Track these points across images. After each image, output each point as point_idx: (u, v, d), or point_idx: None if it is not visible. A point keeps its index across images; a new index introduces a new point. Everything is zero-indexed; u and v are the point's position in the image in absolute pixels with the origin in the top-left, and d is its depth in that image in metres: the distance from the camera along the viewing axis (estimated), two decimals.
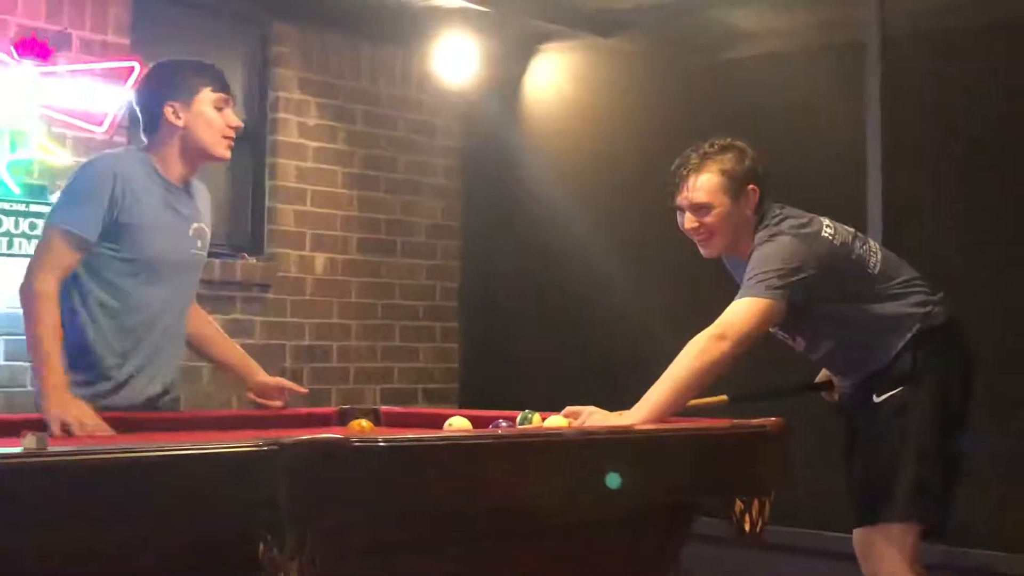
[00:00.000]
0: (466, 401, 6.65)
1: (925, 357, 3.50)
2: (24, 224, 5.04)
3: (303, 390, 3.90)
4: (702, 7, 6.03)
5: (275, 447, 2.12)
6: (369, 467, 2.21)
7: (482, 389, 6.64)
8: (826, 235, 3.49)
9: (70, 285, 3.43)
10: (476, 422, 3.17)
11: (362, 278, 6.55)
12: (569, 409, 3.13)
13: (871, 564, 3.49)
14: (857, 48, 5.46)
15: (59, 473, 1.97)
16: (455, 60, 6.61)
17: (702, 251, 3.61)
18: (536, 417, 3.15)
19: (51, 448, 2.07)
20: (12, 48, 5.06)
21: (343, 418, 3.58)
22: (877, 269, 3.54)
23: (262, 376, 3.80)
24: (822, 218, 3.56)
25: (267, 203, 6.23)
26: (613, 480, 2.47)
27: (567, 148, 6.60)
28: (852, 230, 3.61)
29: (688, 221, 3.54)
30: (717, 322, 3.27)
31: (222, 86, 3.54)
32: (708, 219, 3.51)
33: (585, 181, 6.46)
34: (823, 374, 3.88)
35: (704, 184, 3.50)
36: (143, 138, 3.58)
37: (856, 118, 5.41)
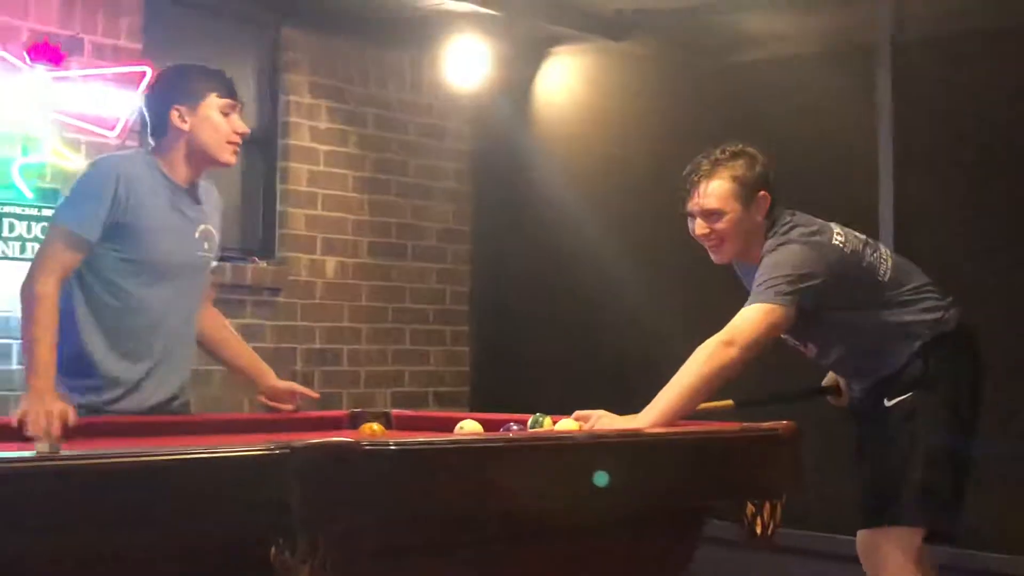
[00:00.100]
0: (477, 404, 6.65)
1: (936, 363, 3.50)
2: (37, 228, 5.05)
3: (315, 394, 3.91)
4: (713, 11, 6.02)
5: (286, 451, 2.12)
6: (380, 470, 2.21)
7: (493, 392, 6.64)
8: (836, 242, 3.49)
9: (75, 288, 3.43)
10: (487, 425, 3.17)
11: (373, 282, 6.55)
12: (579, 413, 3.14)
13: (875, 566, 3.49)
14: (868, 52, 5.46)
15: (71, 477, 1.98)
16: (465, 64, 6.61)
17: (713, 257, 3.61)
18: (547, 420, 3.15)
19: (64, 452, 2.08)
20: (25, 53, 5.08)
21: (354, 422, 3.58)
22: (888, 276, 3.54)
23: (274, 380, 3.80)
24: (832, 225, 3.56)
25: (278, 207, 6.24)
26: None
27: (578, 151, 6.60)
28: (863, 237, 3.61)
29: (699, 227, 3.54)
30: (727, 328, 3.27)
31: (229, 92, 3.54)
32: (719, 225, 3.51)
33: (596, 184, 6.46)
34: (830, 378, 3.88)
35: (715, 190, 3.50)
36: (150, 141, 3.59)
37: (867, 122, 5.41)
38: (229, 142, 3.53)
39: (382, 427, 3.42)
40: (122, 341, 3.47)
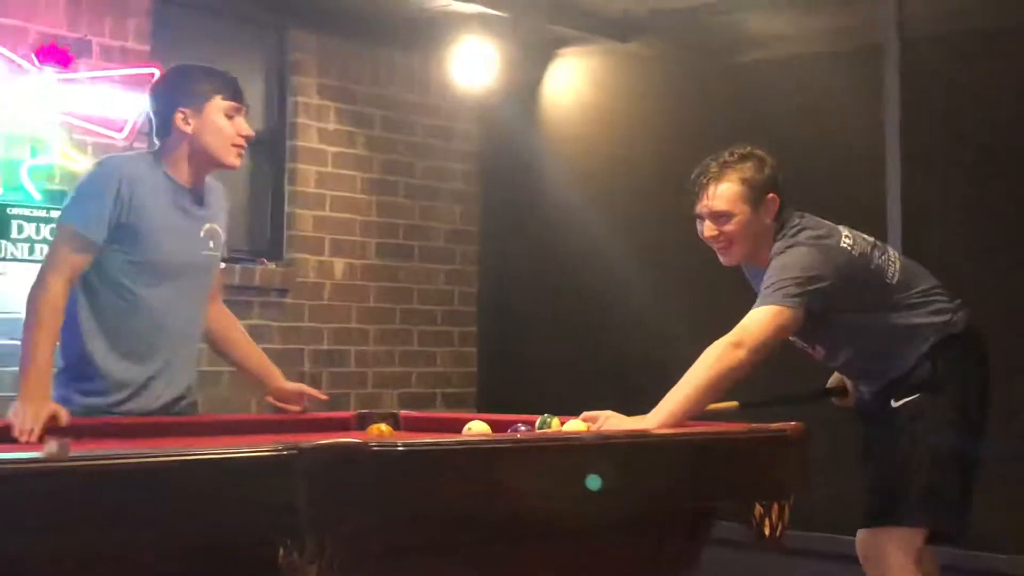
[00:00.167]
0: (484, 405, 6.65)
1: (944, 365, 3.50)
2: (45, 230, 5.06)
3: (323, 396, 3.90)
4: (720, 11, 6.02)
5: (294, 451, 2.12)
6: (388, 472, 2.21)
7: (500, 393, 6.64)
8: (844, 245, 3.48)
9: (78, 290, 3.42)
10: (495, 426, 3.17)
11: (380, 283, 6.56)
12: (587, 414, 3.14)
13: (876, 566, 3.50)
14: (875, 52, 5.45)
15: (78, 478, 1.98)
16: (473, 65, 6.61)
17: (722, 259, 3.61)
18: (555, 421, 3.15)
19: (72, 454, 2.08)
20: (33, 55, 5.09)
21: (362, 422, 3.58)
22: (896, 279, 3.54)
23: (282, 382, 3.79)
24: (841, 228, 3.56)
25: (286, 208, 6.24)
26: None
27: (585, 152, 6.60)
28: (872, 239, 3.60)
29: (708, 229, 3.54)
30: (734, 330, 3.27)
31: (234, 94, 3.52)
32: (728, 228, 3.51)
33: (603, 185, 6.46)
34: (835, 378, 3.87)
35: (724, 193, 3.50)
36: (155, 141, 3.57)
37: (874, 122, 5.40)
38: (234, 145, 3.50)
39: (390, 428, 3.41)
40: (127, 342, 3.46)
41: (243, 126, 3.52)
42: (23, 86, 5.06)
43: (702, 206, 3.54)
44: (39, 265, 4.96)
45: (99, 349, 3.44)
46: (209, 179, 3.62)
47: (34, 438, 3.05)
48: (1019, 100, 5.08)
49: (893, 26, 5.38)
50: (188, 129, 3.46)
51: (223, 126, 3.48)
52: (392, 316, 6.60)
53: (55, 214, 5.02)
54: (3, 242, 5.02)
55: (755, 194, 3.50)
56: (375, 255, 6.54)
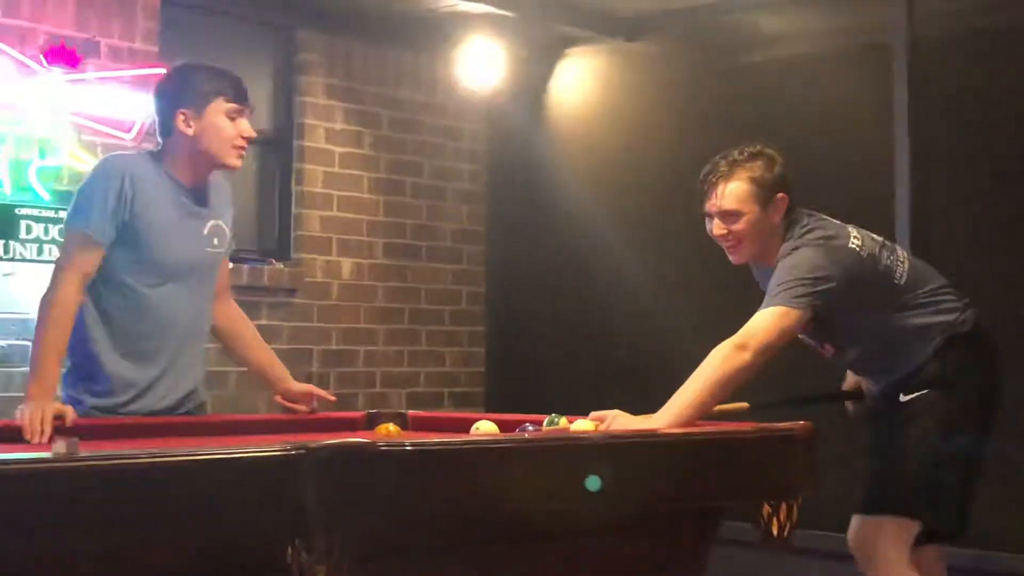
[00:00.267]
0: (492, 405, 6.65)
1: (953, 364, 3.50)
2: (54, 231, 5.07)
3: (331, 397, 3.89)
4: (728, 10, 6.02)
5: (302, 451, 2.12)
6: (396, 471, 2.21)
7: (508, 393, 6.65)
8: (853, 246, 3.48)
9: (86, 290, 3.42)
10: (503, 426, 3.17)
11: (388, 283, 6.56)
12: (595, 413, 3.14)
13: (867, 554, 3.51)
14: (884, 51, 5.44)
15: (86, 478, 1.98)
16: (480, 65, 6.62)
17: (731, 258, 3.62)
18: (563, 421, 3.15)
19: (80, 453, 2.08)
20: (41, 56, 5.10)
21: (370, 422, 3.58)
22: (904, 279, 3.54)
23: (291, 382, 3.79)
24: (850, 228, 3.55)
25: (293, 209, 6.25)
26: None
27: (592, 152, 6.60)
28: (880, 239, 3.60)
29: (717, 228, 3.54)
30: (740, 331, 3.26)
31: (237, 95, 3.48)
32: (736, 226, 3.51)
33: (610, 185, 6.46)
34: (851, 381, 3.87)
35: (733, 192, 3.50)
36: (158, 139, 3.56)
37: (884, 122, 5.39)
38: (235, 146, 3.48)
39: (398, 428, 3.42)
40: (132, 342, 3.46)
41: (245, 127, 3.50)
42: (32, 87, 5.07)
43: (711, 204, 3.55)
44: (47, 265, 5.01)
45: (104, 349, 3.44)
46: (213, 176, 3.60)
47: (44, 439, 3.05)
48: None
49: (902, 25, 5.38)
50: (189, 131, 3.44)
51: (224, 127, 3.46)
52: (400, 316, 6.61)
53: (63, 215, 5.03)
54: (12, 243, 5.03)
55: (764, 193, 3.50)
56: (383, 255, 6.55)
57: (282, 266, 6.13)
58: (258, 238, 6.19)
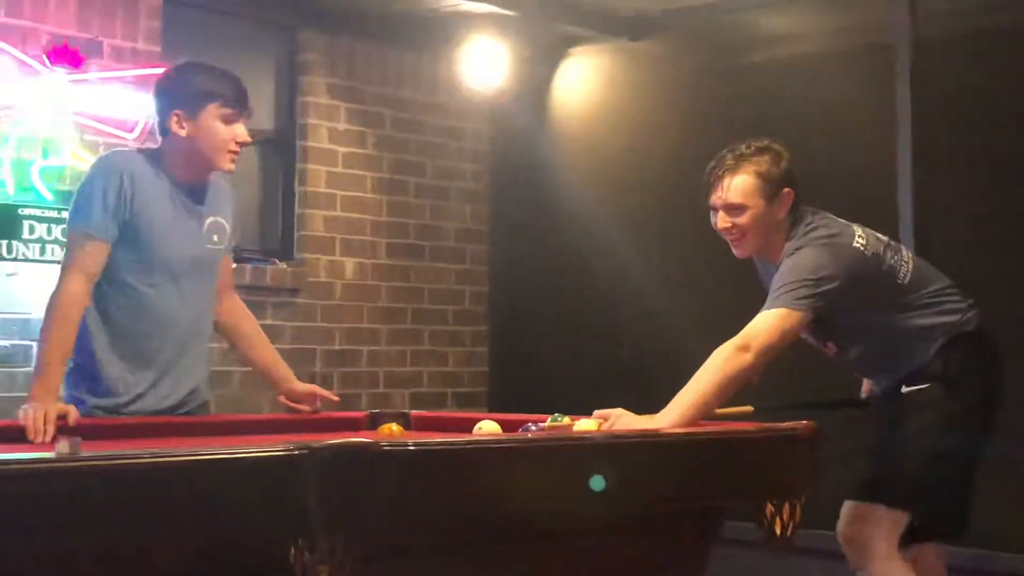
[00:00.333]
0: (496, 405, 6.65)
1: (955, 364, 3.50)
2: (56, 231, 5.08)
3: (335, 397, 3.88)
4: (731, 10, 6.01)
5: (305, 451, 2.12)
6: (399, 471, 2.21)
7: (512, 393, 6.64)
8: (857, 245, 3.48)
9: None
10: (506, 426, 3.17)
11: (391, 283, 6.56)
12: (598, 412, 3.14)
13: (858, 546, 3.51)
14: (887, 51, 5.44)
15: (89, 478, 1.99)
16: (483, 64, 6.62)
17: (735, 251, 3.61)
18: (566, 420, 3.15)
19: (83, 453, 2.08)
20: (44, 56, 5.10)
21: (373, 422, 3.58)
22: (908, 279, 3.53)
23: (294, 382, 3.78)
24: (855, 227, 3.55)
25: (296, 209, 6.25)
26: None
27: (596, 152, 6.60)
28: (885, 239, 3.60)
29: (721, 221, 3.54)
30: (742, 333, 3.26)
31: (234, 100, 3.45)
32: (741, 220, 3.51)
33: (614, 185, 6.46)
34: (866, 387, 3.86)
35: (739, 185, 3.50)
36: (157, 137, 3.54)
37: (886, 121, 5.39)
38: (228, 151, 3.45)
39: (401, 428, 3.42)
40: (133, 342, 3.45)
41: (240, 132, 3.46)
42: (34, 87, 5.08)
43: (716, 198, 3.54)
44: (50, 266, 5.03)
45: (106, 349, 3.43)
46: (213, 174, 3.58)
47: (47, 439, 3.05)
48: None
49: (905, 25, 5.37)
50: (182, 132, 3.42)
51: (218, 131, 3.43)
52: (403, 316, 6.61)
53: (66, 215, 5.04)
54: (15, 243, 5.03)
55: (770, 188, 3.50)
56: (386, 255, 6.55)
57: (285, 266, 6.13)
58: (261, 238, 6.19)
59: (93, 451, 2.16)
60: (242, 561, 2.15)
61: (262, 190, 6.26)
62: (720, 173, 3.54)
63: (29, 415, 3.10)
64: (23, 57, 5.05)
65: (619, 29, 6.44)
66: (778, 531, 2.81)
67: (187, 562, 2.12)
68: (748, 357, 3.21)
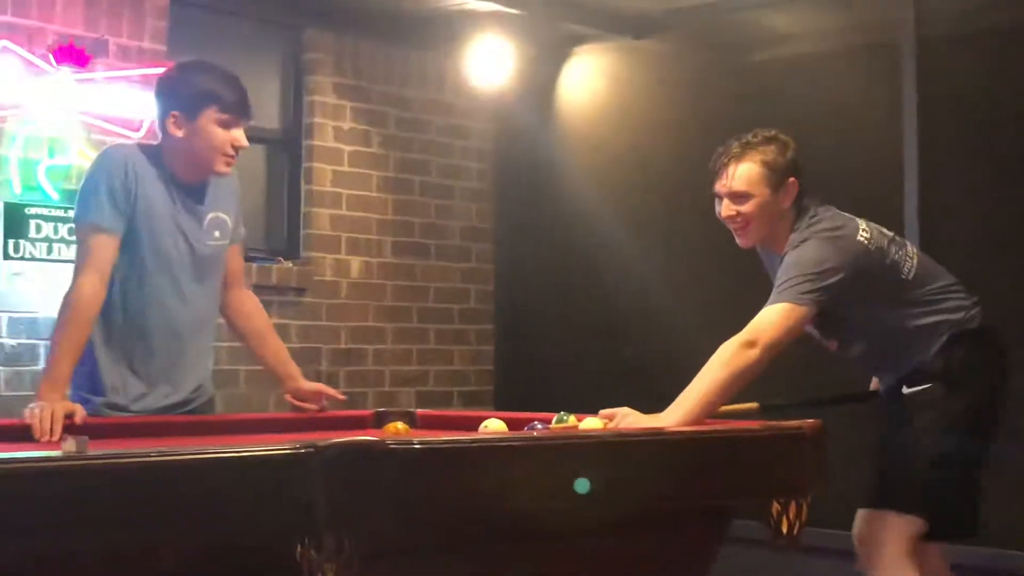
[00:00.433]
0: (501, 403, 6.65)
1: (958, 361, 3.48)
2: (63, 230, 5.09)
3: (341, 396, 3.88)
4: (736, 8, 6.01)
5: (311, 450, 2.13)
6: (405, 469, 2.21)
7: (517, 391, 6.65)
8: (861, 238, 3.47)
9: None
10: (512, 424, 3.17)
11: (397, 281, 6.57)
12: (604, 412, 3.14)
13: (870, 547, 3.50)
14: (892, 49, 5.44)
15: (96, 476, 1.99)
16: (488, 63, 6.62)
17: (738, 240, 3.60)
18: (571, 419, 3.15)
19: (90, 452, 2.09)
20: (50, 55, 5.11)
21: (379, 421, 3.58)
22: (912, 274, 3.52)
23: (301, 381, 3.78)
24: (859, 220, 3.54)
25: (302, 207, 6.26)
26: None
27: (600, 151, 6.60)
28: (890, 234, 3.59)
29: (726, 209, 3.53)
30: (747, 328, 3.26)
31: (233, 106, 3.41)
32: (745, 208, 3.50)
33: (618, 184, 6.46)
34: (874, 383, 3.86)
35: (744, 173, 3.50)
36: (158, 134, 3.52)
37: (892, 120, 5.39)
38: (224, 154, 3.42)
39: (407, 426, 3.42)
40: (137, 340, 3.44)
41: (238, 137, 3.43)
42: (41, 86, 5.08)
43: (721, 185, 3.54)
44: (57, 264, 5.05)
45: (108, 348, 3.42)
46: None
47: (54, 437, 3.05)
48: None
49: (910, 23, 5.37)
50: (178, 134, 3.40)
51: (215, 136, 3.40)
52: (409, 314, 6.61)
53: (72, 214, 5.05)
54: (21, 241, 5.04)
55: (775, 177, 3.49)
56: (391, 253, 6.55)
57: (291, 265, 6.14)
58: (267, 237, 6.20)
59: (100, 450, 2.17)
60: (248, 559, 2.15)
61: (268, 189, 6.26)
62: (726, 161, 3.53)
63: (36, 414, 3.10)
64: (30, 56, 5.06)
65: (623, 28, 6.45)
66: (784, 530, 2.81)
67: (193, 561, 2.12)
68: (754, 353, 3.20)
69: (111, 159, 3.45)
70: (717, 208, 3.57)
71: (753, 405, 3.60)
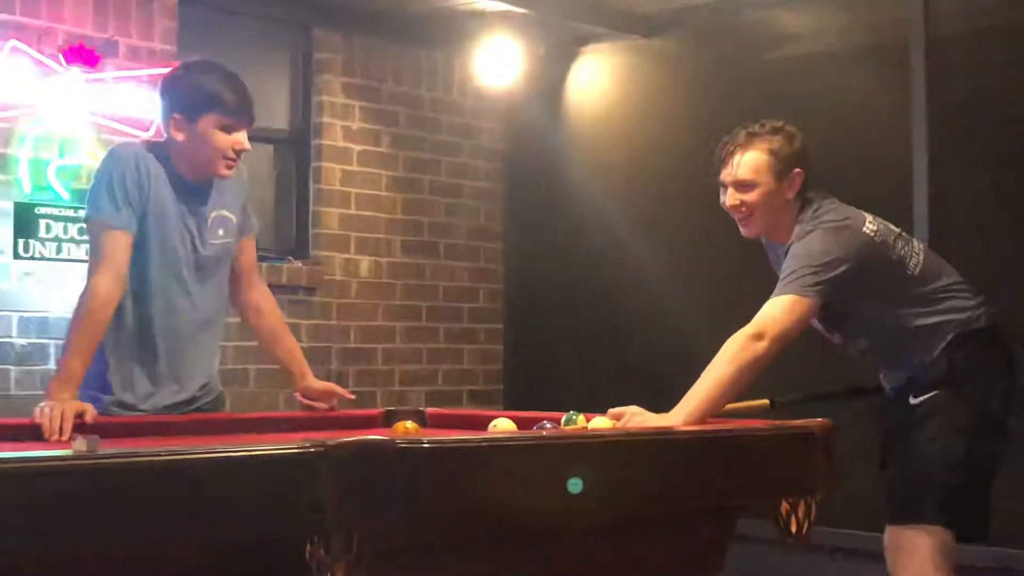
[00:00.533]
0: (510, 402, 6.66)
1: (963, 361, 3.44)
2: (73, 230, 5.10)
3: (351, 396, 3.88)
4: (744, 7, 6.01)
5: (321, 448, 2.13)
6: (414, 468, 2.22)
7: (526, 390, 6.65)
8: (867, 230, 3.45)
9: None
10: (521, 423, 3.17)
11: (406, 280, 6.57)
12: (612, 411, 3.13)
13: (898, 563, 3.46)
14: (902, 47, 5.43)
15: (106, 476, 1.99)
16: (497, 63, 6.62)
17: (742, 230, 3.58)
18: (580, 418, 3.14)
19: (100, 451, 2.09)
20: (60, 56, 5.13)
21: (388, 420, 3.58)
22: (918, 270, 3.49)
23: (311, 380, 3.78)
24: (866, 214, 3.52)
25: (312, 207, 6.27)
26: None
27: (609, 150, 6.60)
28: (897, 230, 3.57)
29: (730, 198, 3.51)
30: (754, 321, 3.24)
31: (234, 110, 3.38)
32: (750, 197, 3.48)
33: (627, 183, 6.46)
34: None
35: (750, 162, 3.48)
36: (163, 132, 3.51)
37: (902, 118, 5.38)
38: (225, 157, 3.40)
39: (416, 425, 3.41)
40: (144, 339, 3.43)
41: (240, 140, 3.40)
42: (50, 86, 5.10)
43: (726, 174, 3.52)
44: (67, 264, 5.06)
45: (115, 346, 3.42)
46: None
47: (64, 437, 3.06)
48: None
49: (919, 22, 5.36)
50: (179, 136, 3.39)
51: (216, 139, 3.38)
52: (418, 313, 6.62)
53: (82, 213, 5.05)
54: (31, 241, 5.06)
55: (781, 166, 3.47)
56: (400, 253, 6.56)
57: (300, 264, 6.15)
58: (276, 236, 6.21)
59: (110, 449, 2.17)
60: (258, 559, 2.15)
61: (277, 188, 6.27)
62: (731, 149, 3.51)
63: (46, 413, 3.11)
64: (39, 57, 5.08)
65: (633, 27, 6.45)
66: (794, 529, 2.81)
67: (203, 560, 2.13)
68: (762, 345, 3.18)
69: (122, 157, 3.43)
70: (722, 197, 3.55)
71: (763, 402, 3.59)
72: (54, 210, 5.11)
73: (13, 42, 5.01)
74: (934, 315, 3.48)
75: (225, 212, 3.56)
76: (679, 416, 3.08)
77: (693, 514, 2.80)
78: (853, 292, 3.40)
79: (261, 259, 5.73)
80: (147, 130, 5.26)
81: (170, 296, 3.46)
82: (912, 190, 5.31)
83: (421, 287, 6.64)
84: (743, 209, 3.51)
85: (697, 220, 5.65)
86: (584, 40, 6.69)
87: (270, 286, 5.78)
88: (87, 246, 3.52)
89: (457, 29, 6.49)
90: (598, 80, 6.75)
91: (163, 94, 3.48)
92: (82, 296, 3.33)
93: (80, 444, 2.15)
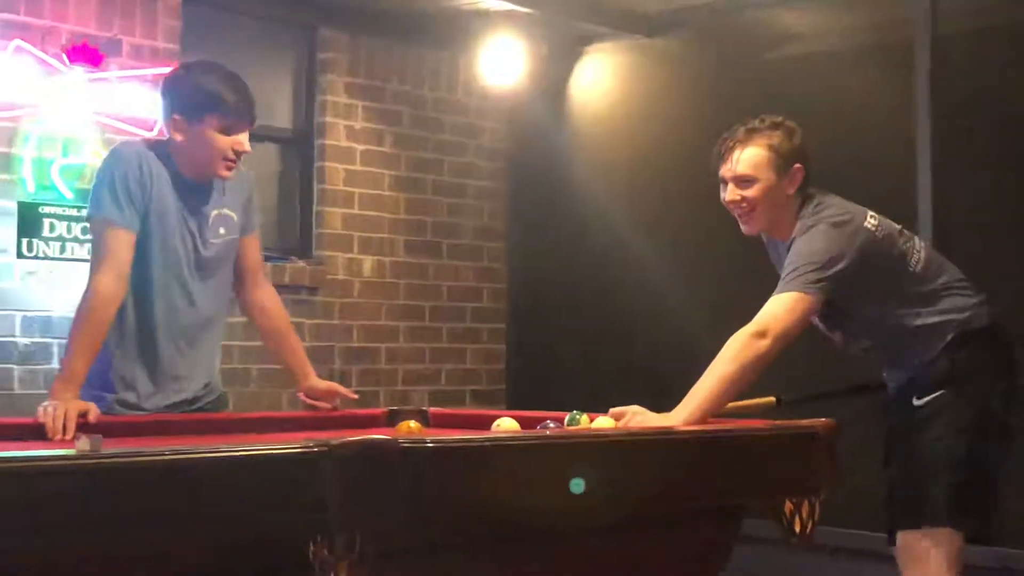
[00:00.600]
0: (513, 402, 6.66)
1: (965, 360, 3.43)
2: (76, 229, 5.10)
3: (354, 395, 3.88)
4: (748, 7, 6.01)
5: (324, 448, 2.13)
6: (417, 468, 2.22)
7: (529, 390, 6.65)
8: (868, 226, 3.44)
9: None
10: (524, 423, 3.17)
11: (409, 280, 6.58)
12: (615, 410, 3.13)
13: (908, 567, 3.44)
14: (906, 46, 5.43)
15: (108, 475, 1.99)
16: (501, 62, 6.62)
17: (743, 228, 3.57)
18: (584, 418, 3.14)
19: (104, 451, 2.09)
20: (64, 55, 5.13)
21: (392, 419, 3.58)
22: (919, 267, 3.48)
23: (314, 379, 3.78)
24: (867, 210, 3.51)
25: (315, 207, 6.27)
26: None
27: (613, 149, 6.60)
28: (899, 227, 3.56)
29: (730, 194, 3.50)
30: (756, 319, 3.23)
31: (235, 112, 3.38)
32: (750, 193, 3.47)
33: (631, 182, 6.46)
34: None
35: (749, 157, 3.47)
36: (165, 132, 3.50)
37: (905, 118, 5.38)
38: (225, 159, 3.39)
39: (419, 425, 3.42)
40: (146, 338, 3.44)
41: (240, 141, 3.40)
42: (54, 86, 5.10)
43: (726, 170, 3.51)
44: (70, 263, 5.06)
45: (118, 346, 3.42)
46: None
47: (68, 436, 3.06)
48: None
49: (924, 21, 5.36)
50: (179, 136, 3.39)
51: (215, 141, 3.37)
52: (421, 313, 6.62)
53: (85, 212, 5.06)
54: (35, 240, 5.06)
55: (781, 162, 3.46)
56: (404, 252, 6.56)
57: (304, 264, 6.15)
58: (280, 236, 6.21)
59: (114, 448, 2.17)
60: (261, 558, 2.15)
61: (281, 188, 6.27)
62: (731, 145, 3.50)
63: (49, 412, 3.11)
64: (43, 56, 5.08)
65: (636, 26, 6.44)
66: (797, 529, 2.81)
67: (206, 559, 2.13)
68: (764, 343, 3.18)
69: (124, 156, 3.43)
70: (722, 194, 3.54)
71: (770, 400, 3.58)
72: (58, 209, 5.11)
73: (17, 41, 5.02)
74: (935, 315, 3.47)
75: (227, 211, 3.55)
76: (681, 415, 3.08)
77: (695, 514, 2.80)
78: (855, 288, 3.40)
79: (265, 259, 5.74)
80: (151, 129, 5.26)
81: (171, 296, 3.46)
82: (916, 190, 5.30)
83: (424, 287, 6.64)
84: (743, 205, 3.50)
85: (700, 219, 5.65)
86: (587, 40, 6.68)
87: (273, 286, 5.83)
88: (90, 245, 3.51)
89: (460, 29, 6.49)
90: (601, 80, 6.75)
91: (164, 94, 3.48)
92: (84, 295, 3.33)
93: (83, 444, 2.15)
